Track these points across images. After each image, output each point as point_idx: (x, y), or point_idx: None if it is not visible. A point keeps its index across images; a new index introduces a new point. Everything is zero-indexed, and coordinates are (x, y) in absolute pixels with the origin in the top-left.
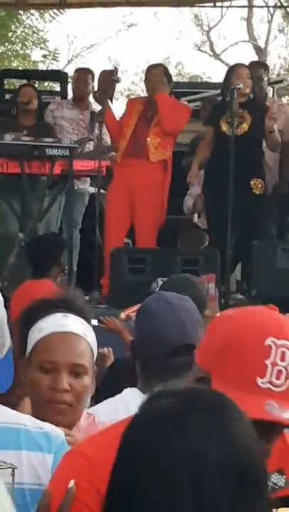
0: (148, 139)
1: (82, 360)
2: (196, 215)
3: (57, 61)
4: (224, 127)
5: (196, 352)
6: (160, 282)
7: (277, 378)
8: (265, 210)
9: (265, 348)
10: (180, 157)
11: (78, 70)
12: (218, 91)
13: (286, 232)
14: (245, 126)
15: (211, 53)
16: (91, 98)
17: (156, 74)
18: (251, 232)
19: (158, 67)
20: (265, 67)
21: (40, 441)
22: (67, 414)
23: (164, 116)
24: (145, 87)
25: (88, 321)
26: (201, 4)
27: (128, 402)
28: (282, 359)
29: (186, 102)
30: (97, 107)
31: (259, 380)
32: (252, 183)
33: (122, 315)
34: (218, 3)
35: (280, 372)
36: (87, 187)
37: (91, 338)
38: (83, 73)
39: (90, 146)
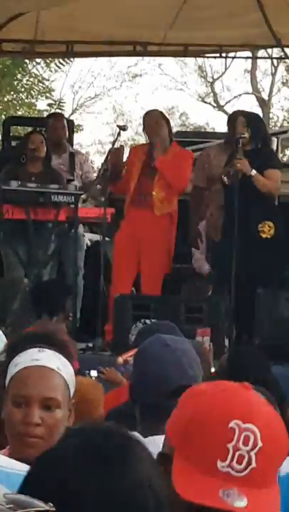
0: (153, 193)
1: (55, 394)
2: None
3: (62, 110)
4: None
5: (167, 423)
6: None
7: (239, 463)
8: (274, 255)
9: (229, 430)
10: (183, 205)
11: (52, 116)
12: (221, 141)
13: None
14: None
15: (215, 105)
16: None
17: (153, 117)
18: (256, 280)
19: (154, 111)
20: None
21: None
22: (39, 448)
23: (168, 179)
24: (145, 134)
25: (69, 355)
26: (206, 55)
27: None
28: (246, 443)
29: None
30: (75, 148)
31: (219, 464)
32: (259, 226)
33: (120, 359)
34: (223, 54)
35: (241, 457)
36: (81, 230)
37: (66, 372)
38: (57, 119)
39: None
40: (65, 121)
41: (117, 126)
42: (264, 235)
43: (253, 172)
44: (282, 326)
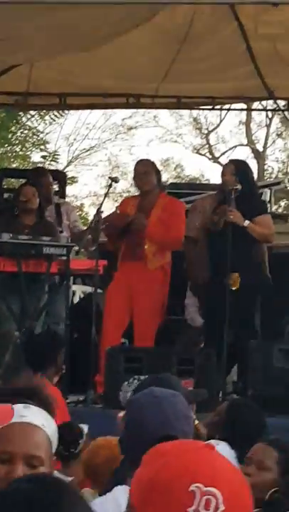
0: (146, 246)
1: (39, 452)
2: (189, 313)
3: (56, 162)
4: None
5: (132, 480)
6: (135, 383)
7: None
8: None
9: (189, 494)
10: (177, 256)
11: (32, 175)
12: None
13: (282, 332)
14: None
15: (210, 156)
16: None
17: (143, 166)
18: (248, 332)
19: (144, 161)
20: None
21: None
22: None
23: (161, 245)
24: (135, 184)
25: (52, 411)
26: (200, 107)
27: (118, 499)
28: (207, 507)
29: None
30: (60, 200)
31: None
32: (233, 277)
33: (120, 414)
34: (216, 106)
35: None
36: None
37: (50, 429)
38: (39, 174)
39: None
40: (50, 177)
41: (109, 177)
42: (232, 286)
43: (246, 223)
44: (275, 377)
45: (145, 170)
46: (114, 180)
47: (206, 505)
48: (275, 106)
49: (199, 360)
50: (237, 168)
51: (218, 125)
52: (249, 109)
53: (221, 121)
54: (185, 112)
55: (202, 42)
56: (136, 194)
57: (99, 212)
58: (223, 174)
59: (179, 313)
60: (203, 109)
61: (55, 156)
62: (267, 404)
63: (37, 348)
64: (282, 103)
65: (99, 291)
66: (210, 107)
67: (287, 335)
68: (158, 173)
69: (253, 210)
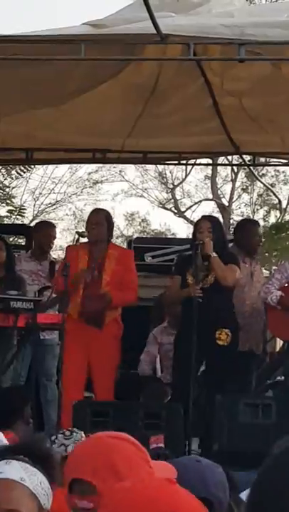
0: None
1: (15, 506)
2: (158, 370)
3: (22, 217)
4: (190, 280)
5: None
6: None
7: None
8: (231, 361)
9: None
10: (145, 312)
11: (44, 224)
12: (186, 246)
13: (248, 387)
14: (211, 279)
15: (176, 211)
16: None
17: (95, 215)
18: (215, 385)
19: (98, 210)
20: None
21: None
22: None
23: (124, 304)
24: (86, 233)
25: (52, 467)
26: (166, 162)
27: None
28: None
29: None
30: (55, 257)
31: None
32: (217, 333)
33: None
34: (182, 161)
35: None
36: (54, 338)
37: (33, 482)
38: (49, 228)
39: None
40: (54, 230)
41: (76, 232)
42: (221, 342)
43: (214, 254)
44: (241, 432)
45: (97, 220)
46: (81, 235)
47: None
48: (240, 161)
49: (165, 414)
50: (212, 224)
51: (184, 180)
52: (214, 164)
53: (186, 175)
54: (150, 167)
55: (168, 97)
56: (83, 242)
57: (67, 266)
58: (199, 231)
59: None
60: (169, 163)
61: (22, 211)
62: (232, 459)
63: (4, 403)
64: (247, 158)
65: None
66: (176, 162)
67: (254, 389)
68: (110, 223)
69: (225, 261)
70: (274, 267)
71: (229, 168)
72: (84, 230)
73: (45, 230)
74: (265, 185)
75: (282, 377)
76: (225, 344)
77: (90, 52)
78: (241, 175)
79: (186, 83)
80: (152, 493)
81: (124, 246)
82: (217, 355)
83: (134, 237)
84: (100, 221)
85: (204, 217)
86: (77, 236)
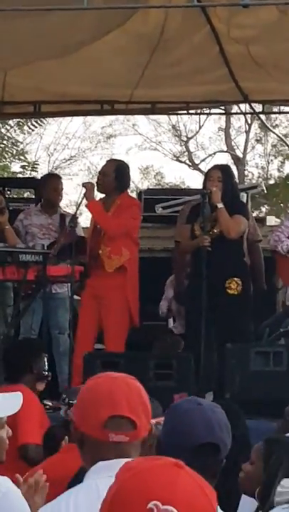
0: (100, 251)
1: None
2: (170, 320)
3: (36, 172)
4: (197, 231)
5: None
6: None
7: None
8: (242, 310)
9: (147, 511)
10: (155, 263)
11: (50, 177)
12: (197, 197)
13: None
14: (218, 229)
15: (190, 163)
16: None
17: (104, 167)
18: (225, 336)
19: (108, 162)
20: None
21: None
22: None
23: (99, 223)
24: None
25: None
26: (174, 112)
27: None
28: None
29: (135, 198)
30: (65, 209)
31: None
32: (227, 283)
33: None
34: (191, 111)
35: None
36: (66, 291)
37: None
38: (58, 181)
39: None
40: (60, 183)
41: (83, 184)
42: (231, 292)
43: (220, 205)
44: (253, 379)
45: (103, 171)
46: (84, 186)
47: None
48: (251, 110)
49: (177, 363)
50: (222, 173)
51: (197, 132)
52: (227, 113)
53: (200, 128)
54: (164, 120)
55: (175, 46)
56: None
57: (74, 217)
58: (208, 180)
59: (157, 320)
60: (178, 114)
61: (35, 166)
62: (245, 408)
63: (12, 355)
64: (259, 107)
65: (76, 297)
66: (184, 111)
67: (266, 338)
68: (120, 174)
69: (233, 211)
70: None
71: (243, 119)
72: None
73: (49, 183)
74: (277, 135)
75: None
76: (235, 293)
77: (94, 2)
78: (255, 126)
79: (192, 31)
80: (153, 475)
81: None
82: (228, 304)
83: (146, 187)
84: (106, 172)
85: (215, 167)
86: (84, 188)
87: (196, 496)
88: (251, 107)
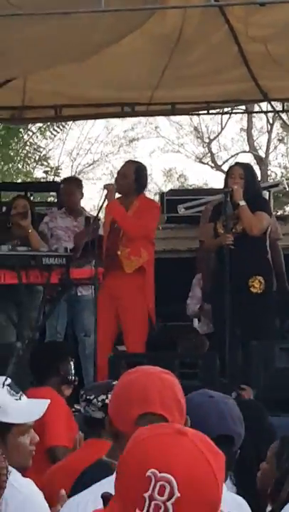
0: (118, 252)
1: None
2: (196, 320)
3: (59, 177)
4: (220, 229)
5: None
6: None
7: None
8: (266, 308)
9: (146, 479)
10: (179, 264)
11: (64, 181)
12: (219, 196)
13: (285, 332)
14: (240, 227)
15: (213, 165)
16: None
17: (123, 167)
18: (250, 334)
19: (127, 162)
20: None
21: None
22: None
23: (121, 224)
24: None
25: None
26: (195, 112)
27: None
28: (161, 493)
29: (154, 200)
30: (90, 213)
31: None
32: (250, 281)
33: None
34: (212, 111)
35: (157, 507)
36: (90, 293)
37: None
38: (69, 184)
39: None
40: (75, 186)
41: (104, 186)
42: (254, 290)
43: (242, 202)
44: (279, 376)
45: (122, 172)
46: (106, 188)
47: (160, 491)
48: (276, 108)
49: (202, 363)
50: (244, 171)
51: (220, 133)
52: (248, 112)
53: (222, 129)
54: (185, 122)
55: (193, 47)
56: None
57: (96, 219)
58: (230, 177)
59: (182, 319)
60: (198, 114)
61: (58, 171)
62: (271, 405)
63: (38, 357)
64: (280, 106)
65: None
66: (205, 112)
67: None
68: (139, 176)
69: (255, 208)
70: None
71: (264, 119)
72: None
73: (65, 187)
74: None
75: None
76: (259, 292)
77: (111, 4)
78: (277, 125)
79: (210, 31)
80: (154, 443)
81: (158, 199)
82: (251, 302)
83: (169, 189)
84: (125, 173)
85: (236, 164)
86: (104, 189)
87: (197, 464)
88: (271, 106)
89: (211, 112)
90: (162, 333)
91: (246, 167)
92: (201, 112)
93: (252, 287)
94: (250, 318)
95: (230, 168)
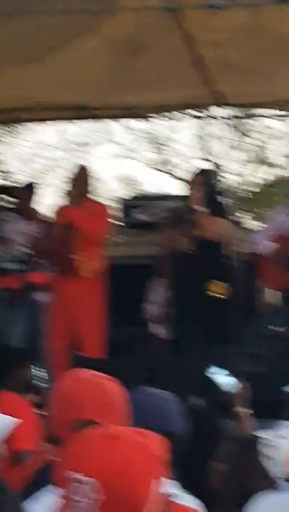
0: (73, 256)
1: None
2: (153, 325)
3: (10, 182)
4: (179, 235)
5: None
6: None
7: None
8: (226, 312)
9: (68, 480)
10: (136, 269)
11: (18, 186)
12: (177, 202)
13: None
14: (200, 233)
15: (166, 171)
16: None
17: (73, 173)
18: (210, 338)
19: (78, 169)
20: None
21: None
22: None
23: (80, 227)
24: None
25: None
26: (150, 117)
27: None
28: (76, 493)
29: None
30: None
31: None
32: (209, 286)
33: None
34: (167, 116)
35: (72, 507)
36: (46, 298)
37: None
38: (22, 189)
39: None
40: (32, 190)
41: (59, 190)
42: (214, 295)
43: (201, 208)
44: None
45: (75, 177)
46: (65, 192)
47: (75, 492)
48: (228, 115)
49: (161, 367)
50: (203, 177)
51: (174, 139)
52: (200, 118)
53: (176, 135)
54: (139, 127)
55: (148, 51)
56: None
57: (49, 223)
58: (190, 184)
59: (136, 324)
60: (151, 119)
61: (6, 174)
62: None
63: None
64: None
65: None
66: (160, 117)
67: (248, 340)
68: (90, 181)
69: (213, 213)
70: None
71: (218, 125)
72: None
73: (20, 191)
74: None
75: (274, 327)
76: (218, 296)
77: (66, 4)
78: (230, 131)
79: (165, 35)
80: (81, 443)
81: (115, 206)
82: (211, 307)
83: (124, 195)
84: (78, 178)
85: (196, 171)
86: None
87: (119, 466)
88: (227, 112)
89: (165, 117)
90: (119, 338)
91: (206, 174)
92: (155, 118)
93: (212, 292)
94: (210, 323)
95: (191, 175)
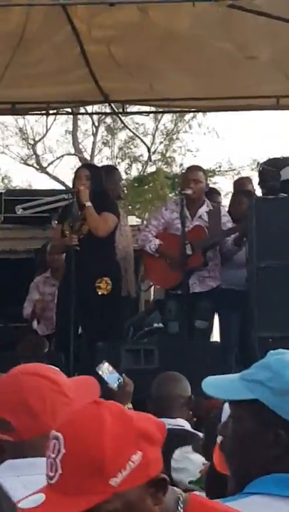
0: None
1: None
2: (35, 322)
3: None
4: (66, 231)
5: None
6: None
7: (51, 470)
8: (112, 309)
9: (50, 439)
10: (17, 264)
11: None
12: (60, 197)
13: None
14: (86, 228)
15: (38, 166)
16: None
17: None
18: (96, 334)
19: None
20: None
21: None
22: None
23: None
24: None
25: None
26: (35, 112)
27: None
28: (53, 450)
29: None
30: None
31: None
32: (97, 282)
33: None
34: (51, 112)
35: (51, 464)
36: None
37: None
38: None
39: None
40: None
41: None
42: (101, 291)
43: (88, 204)
44: None
45: None
46: None
47: (52, 450)
48: (102, 110)
49: (46, 363)
50: (90, 172)
51: (45, 135)
52: (75, 114)
53: (47, 131)
54: (10, 122)
55: (36, 46)
56: None
57: None
58: (76, 179)
59: (19, 321)
60: (37, 114)
61: None
62: None
63: None
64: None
65: None
66: (44, 112)
67: (131, 337)
68: None
69: (100, 208)
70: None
71: (90, 121)
72: None
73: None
74: (134, 133)
75: (161, 324)
76: (105, 293)
77: None
78: (102, 129)
79: (53, 31)
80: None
81: None
82: (97, 304)
83: (3, 190)
84: None
85: (83, 166)
86: None
87: (87, 424)
88: (111, 107)
89: (50, 113)
90: (1, 334)
91: (93, 169)
92: (40, 113)
93: (98, 288)
94: (96, 320)
95: (77, 169)
